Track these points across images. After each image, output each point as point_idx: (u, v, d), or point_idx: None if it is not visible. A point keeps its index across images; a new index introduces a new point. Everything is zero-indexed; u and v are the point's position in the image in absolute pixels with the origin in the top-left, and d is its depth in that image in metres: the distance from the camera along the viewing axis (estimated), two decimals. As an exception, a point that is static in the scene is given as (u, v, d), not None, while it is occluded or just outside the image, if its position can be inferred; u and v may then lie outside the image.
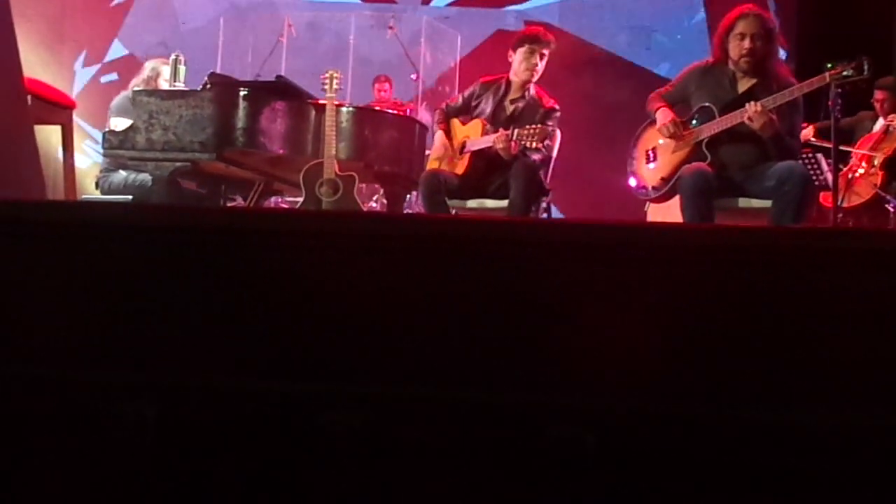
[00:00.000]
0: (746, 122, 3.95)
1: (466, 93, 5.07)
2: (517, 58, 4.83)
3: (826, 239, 1.61)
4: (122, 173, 5.28)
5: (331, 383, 1.51)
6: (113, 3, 9.63)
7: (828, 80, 3.86)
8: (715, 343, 1.52)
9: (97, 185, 5.41)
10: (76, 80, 9.45)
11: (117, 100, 5.45)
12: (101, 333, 1.65)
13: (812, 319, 1.50)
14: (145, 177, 4.96)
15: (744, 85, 4.22)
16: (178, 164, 4.72)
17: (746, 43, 4.14)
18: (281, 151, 4.91)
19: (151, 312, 1.62)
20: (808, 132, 6.24)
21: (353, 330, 1.55)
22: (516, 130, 4.50)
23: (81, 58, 9.50)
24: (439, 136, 4.97)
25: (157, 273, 1.62)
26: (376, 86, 8.55)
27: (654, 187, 4.35)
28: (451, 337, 1.54)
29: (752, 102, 3.94)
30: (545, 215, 4.84)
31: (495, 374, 1.53)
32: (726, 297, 1.53)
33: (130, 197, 5.20)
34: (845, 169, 6.37)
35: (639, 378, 1.50)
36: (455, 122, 5.01)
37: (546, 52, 4.82)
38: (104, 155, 4.96)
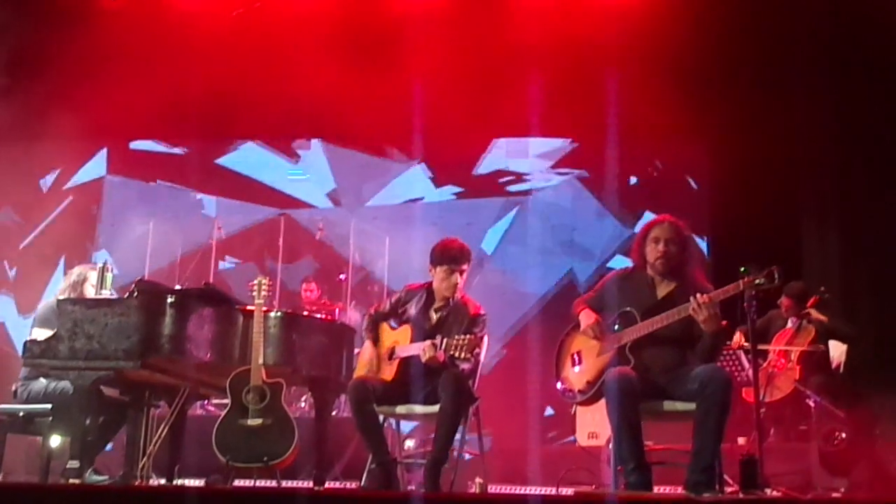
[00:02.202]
0: (692, 313, 4.04)
1: (394, 298, 5.14)
2: (437, 275, 4.91)
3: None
4: (43, 381, 5.15)
5: None
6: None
7: (742, 287, 4.01)
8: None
9: (15, 394, 5.24)
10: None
11: (41, 309, 5.37)
12: None
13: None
14: (66, 384, 4.84)
15: (663, 290, 4.38)
16: (101, 372, 4.62)
17: (661, 247, 4.35)
18: (208, 358, 4.84)
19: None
20: (738, 338, 6.45)
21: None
22: (445, 340, 4.53)
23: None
24: (367, 345, 4.98)
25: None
26: (304, 286, 8.63)
27: (580, 391, 4.41)
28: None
29: (699, 294, 4.06)
30: (474, 418, 4.82)
31: None
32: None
33: (50, 406, 5.05)
34: (765, 364, 6.55)
35: None
36: (384, 326, 5.04)
37: (465, 267, 4.91)
38: (24, 364, 4.84)
